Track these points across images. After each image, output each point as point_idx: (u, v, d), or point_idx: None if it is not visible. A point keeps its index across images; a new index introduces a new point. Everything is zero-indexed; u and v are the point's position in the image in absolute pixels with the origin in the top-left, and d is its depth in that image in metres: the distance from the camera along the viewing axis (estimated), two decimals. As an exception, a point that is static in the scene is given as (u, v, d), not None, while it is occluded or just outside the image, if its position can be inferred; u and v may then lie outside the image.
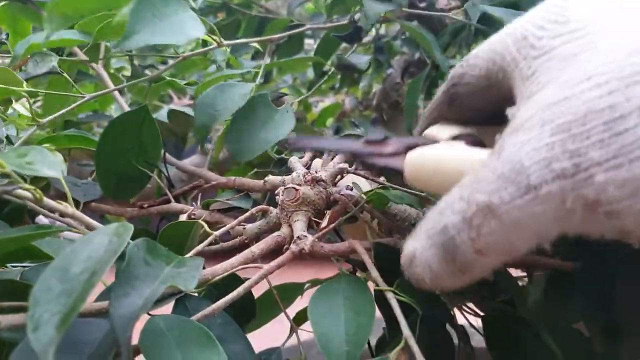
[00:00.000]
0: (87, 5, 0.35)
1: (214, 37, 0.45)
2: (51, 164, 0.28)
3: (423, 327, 0.28)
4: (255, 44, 0.57)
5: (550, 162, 0.18)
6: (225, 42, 0.47)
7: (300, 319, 0.43)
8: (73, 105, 0.40)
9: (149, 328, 0.27)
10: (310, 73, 0.97)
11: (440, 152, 0.25)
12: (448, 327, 0.31)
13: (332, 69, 0.63)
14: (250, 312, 0.37)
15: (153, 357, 0.26)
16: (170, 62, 0.53)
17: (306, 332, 0.42)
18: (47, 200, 0.25)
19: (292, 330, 0.40)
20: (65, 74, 0.41)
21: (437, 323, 0.29)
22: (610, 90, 0.18)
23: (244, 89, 0.44)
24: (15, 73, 0.35)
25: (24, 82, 0.35)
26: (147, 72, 0.79)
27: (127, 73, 0.86)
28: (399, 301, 0.28)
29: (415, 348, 0.26)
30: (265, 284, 0.37)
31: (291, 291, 0.50)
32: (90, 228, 0.28)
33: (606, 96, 0.18)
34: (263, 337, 0.41)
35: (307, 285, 0.50)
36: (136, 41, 0.31)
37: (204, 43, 0.56)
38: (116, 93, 0.49)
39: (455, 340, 0.31)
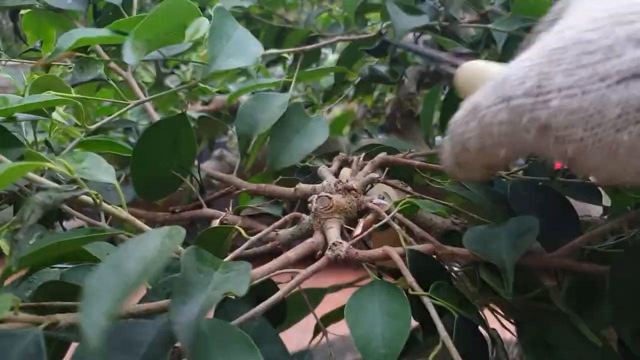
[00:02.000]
0: (162, 29, 0.36)
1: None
2: (105, 170, 0.29)
3: (459, 330, 0.29)
4: (286, 55, 0.58)
5: (525, 80, 0.20)
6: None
7: (324, 321, 0.44)
8: (120, 111, 0.41)
9: (198, 335, 0.28)
10: (323, 82, 0.99)
11: (487, 64, 0.28)
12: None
13: (357, 78, 0.64)
14: (282, 315, 0.38)
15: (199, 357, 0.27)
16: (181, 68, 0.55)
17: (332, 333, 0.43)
18: (105, 206, 0.27)
19: (321, 332, 0.41)
20: (111, 81, 0.42)
21: (472, 326, 0.30)
22: (596, 27, 0.19)
23: (281, 100, 0.45)
24: (62, 79, 0.36)
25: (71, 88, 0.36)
26: (167, 80, 0.80)
27: (147, 80, 0.88)
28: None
29: (453, 349, 0.27)
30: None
31: (315, 295, 0.52)
32: (140, 231, 0.29)
33: (592, 32, 0.19)
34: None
35: (328, 290, 0.52)
36: (218, 66, 0.33)
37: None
38: (149, 105, 0.51)
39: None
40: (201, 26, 0.39)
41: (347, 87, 0.91)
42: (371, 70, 0.59)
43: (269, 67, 0.91)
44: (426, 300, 0.30)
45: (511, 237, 0.32)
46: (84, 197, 0.27)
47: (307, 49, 0.55)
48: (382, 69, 0.73)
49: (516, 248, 0.31)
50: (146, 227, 0.30)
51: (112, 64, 0.50)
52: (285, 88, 0.84)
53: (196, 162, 0.47)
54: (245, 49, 0.35)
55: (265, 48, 0.68)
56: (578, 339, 0.31)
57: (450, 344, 0.28)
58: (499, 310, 0.36)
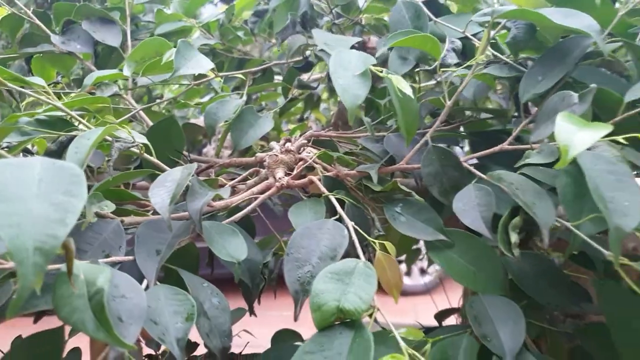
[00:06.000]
0: (146, 54, 0.59)
1: (213, 71, 0.70)
2: (141, 137, 0.51)
3: (350, 210, 0.51)
4: (240, 76, 0.81)
5: None
6: (219, 74, 0.72)
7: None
8: (123, 118, 0.63)
9: (206, 227, 0.49)
10: (280, 101, 1.23)
11: None
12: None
13: (297, 93, 0.87)
14: (252, 228, 0.60)
15: (209, 238, 0.48)
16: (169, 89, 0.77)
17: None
18: (145, 155, 0.49)
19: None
20: (123, 94, 0.64)
21: (359, 210, 0.53)
22: None
23: (235, 103, 0.68)
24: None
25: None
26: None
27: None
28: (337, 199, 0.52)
29: (347, 219, 0.49)
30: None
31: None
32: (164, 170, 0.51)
33: None
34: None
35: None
36: (182, 72, 0.55)
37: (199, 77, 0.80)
38: (141, 112, 0.73)
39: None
40: (172, 53, 0.61)
41: (297, 102, 1.15)
42: (298, 81, 0.82)
43: (234, 90, 1.14)
44: (331, 197, 0.52)
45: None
46: (134, 149, 0.49)
47: (252, 70, 0.78)
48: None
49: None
50: (167, 168, 0.51)
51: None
52: (246, 102, 1.07)
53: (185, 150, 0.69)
54: (200, 65, 0.57)
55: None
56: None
57: (345, 217, 0.50)
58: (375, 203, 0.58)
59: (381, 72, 0.50)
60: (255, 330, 0.74)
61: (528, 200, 0.42)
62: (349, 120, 0.47)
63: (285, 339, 0.68)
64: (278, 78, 1.38)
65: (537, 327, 0.53)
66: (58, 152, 0.50)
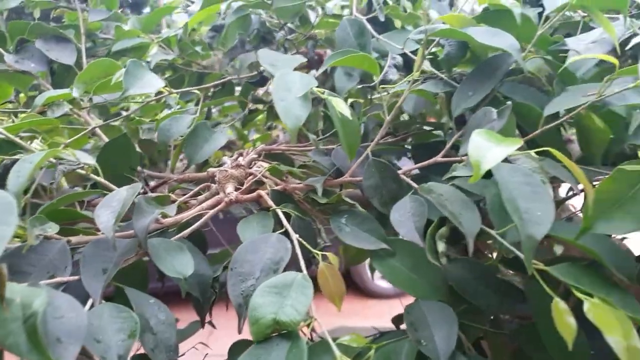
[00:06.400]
0: (95, 75, 0.60)
1: (166, 88, 0.71)
2: (87, 158, 0.52)
3: (296, 223, 0.53)
4: (196, 91, 0.82)
5: None
6: (175, 91, 0.73)
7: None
8: (79, 135, 0.64)
9: (152, 244, 0.50)
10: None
11: None
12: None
13: (255, 106, 0.89)
14: (203, 243, 0.61)
15: (156, 255, 0.49)
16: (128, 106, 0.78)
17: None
18: (92, 175, 0.50)
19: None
20: (75, 114, 0.65)
21: (305, 222, 0.55)
22: None
23: (187, 119, 0.70)
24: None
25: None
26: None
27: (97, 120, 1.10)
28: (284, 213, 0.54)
29: (292, 232, 0.51)
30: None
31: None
32: (112, 189, 0.52)
33: None
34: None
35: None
36: (131, 92, 0.56)
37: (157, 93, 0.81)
38: (98, 130, 0.74)
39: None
40: (122, 74, 0.62)
41: (259, 114, 1.17)
42: (252, 95, 0.84)
43: (197, 103, 1.15)
44: (278, 211, 0.54)
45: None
46: (80, 170, 0.50)
47: (207, 86, 0.79)
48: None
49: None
50: (117, 188, 0.52)
51: (75, 109, 0.73)
52: (208, 116, 1.08)
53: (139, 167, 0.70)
54: (151, 84, 0.58)
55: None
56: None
57: (290, 230, 0.52)
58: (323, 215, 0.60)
59: (323, 93, 0.52)
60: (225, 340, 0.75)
61: (455, 210, 0.45)
62: (291, 139, 0.49)
63: (243, 350, 0.69)
64: (240, 90, 1.40)
65: (477, 330, 0.55)
66: (2, 175, 0.51)
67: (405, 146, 0.65)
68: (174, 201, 0.60)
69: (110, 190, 0.53)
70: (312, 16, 0.83)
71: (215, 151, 0.71)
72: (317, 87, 0.55)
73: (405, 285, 0.52)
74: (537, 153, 0.44)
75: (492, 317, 0.56)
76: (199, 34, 1.09)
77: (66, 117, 0.68)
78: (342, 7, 0.85)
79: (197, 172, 0.76)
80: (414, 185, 0.52)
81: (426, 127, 0.69)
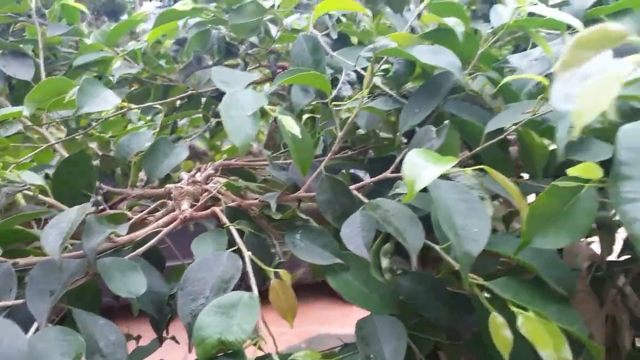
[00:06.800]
0: (47, 93, 0.60)
1: (125, 103, 0.71)
2: (36, 178, 0.52)
3: (250, 239, 0.53)
4: (158, 106, 0.82)
5: None
6: (134, 106, 0.73)
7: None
8: (36, 151, 0.63)
9: (103, 263, 0.50)
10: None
11: None
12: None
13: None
14: (161, 261, 0.61)
15: (107, 275, 0.49)
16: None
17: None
18: (41, 196, 0.49)
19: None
20: (28, 133, 0.65)
21: (259, 239, 0.55)
22: None
23: (147, 135, 0.69)
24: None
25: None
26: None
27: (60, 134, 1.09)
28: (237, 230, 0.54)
29: (244, 249, 0.51)
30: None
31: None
32: (63, 209, 0.52)
33: None
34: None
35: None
36: (85, 110, 0.56)
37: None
38: (58, 145, 0.73)
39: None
40: (75, 92, 0.62)
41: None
42: (213, 110, 0.85)
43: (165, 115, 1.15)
44: (231, 228, 0.54)
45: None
46: (27, 192, 0.49)
47: (167, 101, 0.80)
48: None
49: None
50: (67, 207, 0.52)
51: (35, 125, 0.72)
52: (174, 129, 1.08)
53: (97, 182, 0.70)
54: (107, 101, 0.58)
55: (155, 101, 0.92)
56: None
57: (243, 247, 0.52)
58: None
59: (274, 111, 0.53)
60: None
61: (400, 226, 0.45)
62: (240, 155, 0.50)
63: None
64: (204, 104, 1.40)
65: (431, 342, 0.56)
66: (-52, 198, 0.50)
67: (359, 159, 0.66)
68: (130, 219, 0.60)
69: (61, 209, 0.52)
70: (274, 30, 0.83)
71: (175, 165, 0.71)
72: (277, 103, 0.55)
73: (358, 299, 0.53)
74: (481, 170, 0.45)
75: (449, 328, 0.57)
76: (164, 46, 1.09)
77: (22, 135, 0.67)
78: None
79: (160, 186, 0.76)
80: (365, 200, 0.53)
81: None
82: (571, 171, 0.38)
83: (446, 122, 0.46)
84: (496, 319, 0.39)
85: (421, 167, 0.38)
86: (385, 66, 0.60)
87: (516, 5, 0.46)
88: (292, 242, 0.55)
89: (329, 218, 0.55)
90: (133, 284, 0.50)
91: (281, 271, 0.51)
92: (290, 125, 0.50)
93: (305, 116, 0.66)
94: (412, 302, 0.53)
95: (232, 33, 0.82)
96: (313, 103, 0.64)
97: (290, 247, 0.55)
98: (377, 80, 0.59)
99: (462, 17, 0.55)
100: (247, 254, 0.51)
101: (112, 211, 0.67)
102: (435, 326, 0.56)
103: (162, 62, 1.01)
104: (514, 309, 0.39)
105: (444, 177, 0.43)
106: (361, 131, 0.68)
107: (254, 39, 0.84)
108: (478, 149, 0.48)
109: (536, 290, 0.42)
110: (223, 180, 0.64)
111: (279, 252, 0.56)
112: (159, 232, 0.57)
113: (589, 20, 0.63)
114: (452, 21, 0.52)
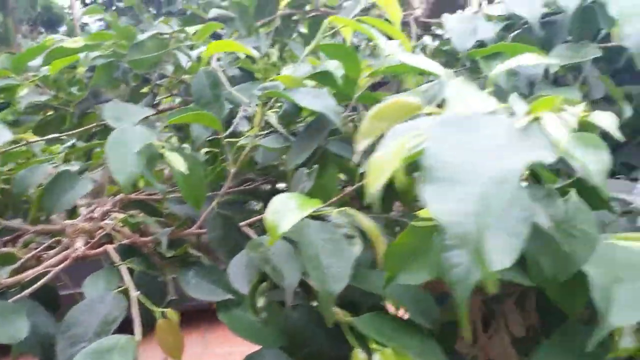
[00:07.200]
0: None
1: (25, 135, 0.70)
2: None
3: (140, 278, 0.53)
4: (65, 137, 0.81)
5: None
6: (35, 139, 0.72)
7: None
8: None
9: None
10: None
11: None
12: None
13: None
14: (55, 301, 0.60)
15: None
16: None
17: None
18: None
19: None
20: None
21: (150, 276, 0.55)
22: None
23: (44, 169, 0.68)
24: None
25: None
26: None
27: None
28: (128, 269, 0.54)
29: (133, 288, 0.51)
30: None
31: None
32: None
33: None
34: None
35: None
36: None
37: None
38: None
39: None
40: None
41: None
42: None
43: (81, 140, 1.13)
44: (121, 267, 0.54)
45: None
46: None
47: (80, 130, 0.79)
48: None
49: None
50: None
51: None
52: (89, 157, 1.06)
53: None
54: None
55: (71, 129, 0.91)
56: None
57: (131, 287, 0.52)
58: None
59: (163, 148, 0.54)
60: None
61: (278, 264, 0.47)
62: (124, 192, 0.50)
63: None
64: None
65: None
66: None
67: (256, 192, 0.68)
68: (20, 259, 0.59)
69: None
70: (184, 60, 0.84)
71: (77, 199, 0.70)
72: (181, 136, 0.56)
73: (248, 334, 0.54)
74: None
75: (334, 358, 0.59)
76: (78, 72, 1.08)
77: None
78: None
79: (65, 219, 0.75)
80: (254, 237, 0.55)
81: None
82: (422, 213, 0.41)
83: (315, 166, 0.48)
84: (358, 356, 0.41)
85: (282, 213, 0.40)
86: (279, 104, 0.62)
87: (386, 54, 0.50)
88: (185, 280, 0.56)
89: (220, 255, 0.56)
90: (14, 329, 0.49)
91: (169, 310, 0.51)
92: (176, 163, 0.51)
93: (203, 150, 0.67)
94: (300, 334, 0.54)
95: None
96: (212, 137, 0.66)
97: (182, 284, 0.56)
98: (272, 118, 0.61)
99: (350, 59, 0.58)
100: (135, 293, 0.51)
101: (3, 249, 0.65)
102: (323, 356, 0.58)
103: (74, 89, 0.99)
104: (374, 345, 0.41)
105: (316, 217, 0.45)
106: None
107: (166, 68, 0.84)
108: (355, 187, 0.50)
109: (401, 325, 0.45)
110: (121, 216, 0.64)
111: (170, 290, 0.56)
112: (49, 271, 0.56)
113: (471, 60, 0.69)
114: (333, 64, 0.55)
